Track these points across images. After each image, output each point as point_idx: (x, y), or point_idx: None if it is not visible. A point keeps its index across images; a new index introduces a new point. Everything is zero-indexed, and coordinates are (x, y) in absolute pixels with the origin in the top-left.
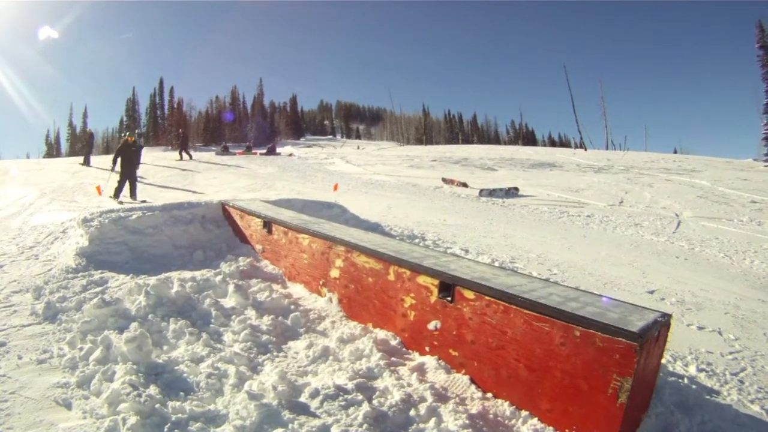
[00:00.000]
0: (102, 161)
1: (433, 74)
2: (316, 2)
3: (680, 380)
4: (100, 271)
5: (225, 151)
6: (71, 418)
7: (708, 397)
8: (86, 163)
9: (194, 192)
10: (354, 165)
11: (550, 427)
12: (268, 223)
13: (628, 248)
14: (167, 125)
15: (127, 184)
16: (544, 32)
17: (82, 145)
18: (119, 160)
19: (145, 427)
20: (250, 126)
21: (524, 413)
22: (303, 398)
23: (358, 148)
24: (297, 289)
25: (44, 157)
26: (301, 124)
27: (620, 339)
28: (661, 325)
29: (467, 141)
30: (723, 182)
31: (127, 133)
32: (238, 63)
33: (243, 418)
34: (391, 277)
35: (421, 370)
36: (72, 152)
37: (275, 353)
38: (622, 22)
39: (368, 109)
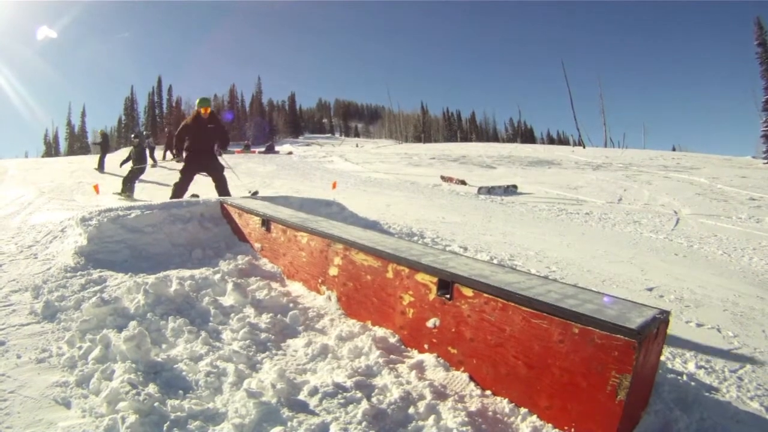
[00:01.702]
0: (117, 164)
1: (432, 72)
2: (314, 1)
3: (679, 377)
4: (98, 269)
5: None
6: (70, 417)
7: (707, 394)
8: (100, 168)
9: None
10: (353, 163)
11: (549, 425)
12: (266, 222)
13: (626, 245)
14: (165, 124)
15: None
16: (543, 30)
17: (82, 145)
18: (185, 145)
19: (144, 426)
20: (248, 124)
21: (523, 410)
22: (302, 396)
23: (357, 146)
24: (296, 287)
25: (43, 157)
26: (299, 123)
27: (619, 336)
28: (659, 322)
29: (466, 139)
30: (722, 180)
31: (197, 101)
32: (236, 62)
33: (242, 417)
34: (390, 274)
35: (420, 367)
36: (70, 151)
37: (274, 351)
38: (621, 20)
39: (367, 107)
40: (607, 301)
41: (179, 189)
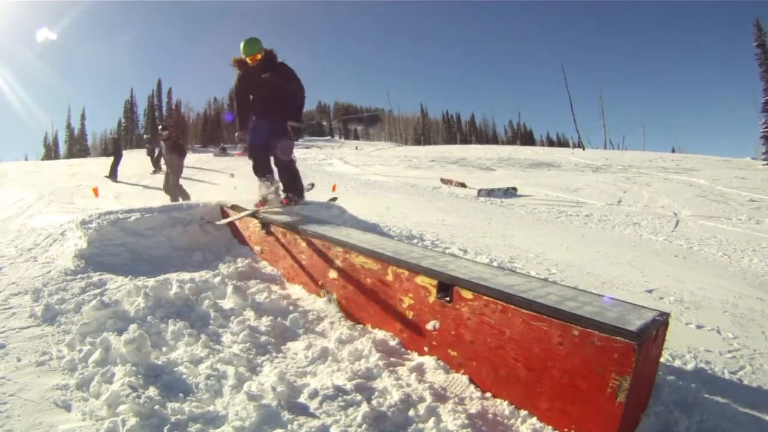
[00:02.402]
0: (134, 169)
1: (431, 74)
2: (313, 2)
3: (679, 379)
4: (98, 273)
5: (223, 152)
6: (71, 419)
7: (707, 395)
8: (113, 176)
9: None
10: (352, 165)
11: (549, 427)
12: (266, 224)
13: (626, 247)
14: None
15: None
16: (543, 32)
17: (81, 147)
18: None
19: (145, 429)
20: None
21: (523, 413)
22: (302, 399)
23: (357, 148)
24: (295, 290)
25: (42, 159)
26: None
27: (618, 338)
28: (659, 324)
29: (465, 141)
30: (721, 181)
31: (242, 46)
32: None
33: (242, 419)
34: (390, 277)
35: (420, 370)
36: (70, 154)
37: (274, 354)
38: (620, 22)
39: (366, 110)
40: (607, 302)
41: (257, 168)
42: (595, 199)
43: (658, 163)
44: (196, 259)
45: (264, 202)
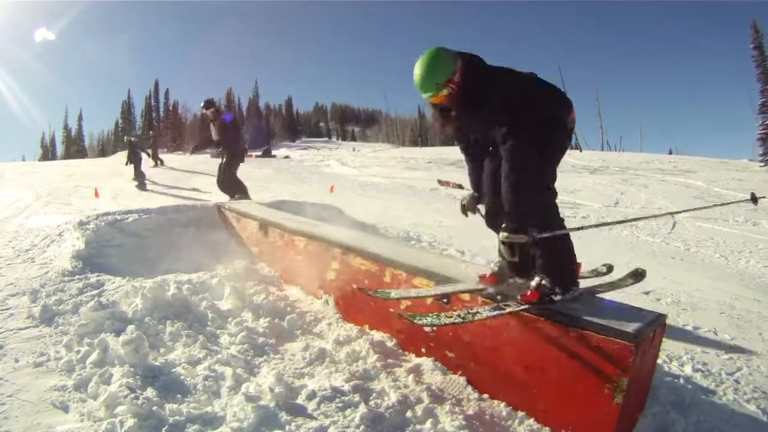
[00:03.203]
0: (131, 170)
1: None
2: (310, 3)
3: (676, 380)
4: (96, 273)
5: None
6: (68, 420)
7: (704, 396)
8: (141, 185)
9: (191, 195)
10: (350, 167)
11: (547, 428)
12: (264, 226)
13: (623, 249)
14: (162, 127)
15: None
16: (539, 32)
17: (78, 148)
18: None
19: (143, 429)
20: (245, 128)
21: (520, 414)
22: (300, 400)
23: (354, 150)
24: (293, 292)
25: (40, 160)
26: (296, 126)
27: (615, 340)
28: (656, 326)
29: None
30: (718, 183)
31: None
32: (233, 64)
33: (240, 420)
34: (387, 278)
35: (417, 371)
36: (67, 155)
37: (272, 355)
38: (618, 23)
39: (363, 111)
40: (604, 304)
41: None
42: (592, 200)
43: (656, 165)
44: (194, 259)
45: (496, 278)
